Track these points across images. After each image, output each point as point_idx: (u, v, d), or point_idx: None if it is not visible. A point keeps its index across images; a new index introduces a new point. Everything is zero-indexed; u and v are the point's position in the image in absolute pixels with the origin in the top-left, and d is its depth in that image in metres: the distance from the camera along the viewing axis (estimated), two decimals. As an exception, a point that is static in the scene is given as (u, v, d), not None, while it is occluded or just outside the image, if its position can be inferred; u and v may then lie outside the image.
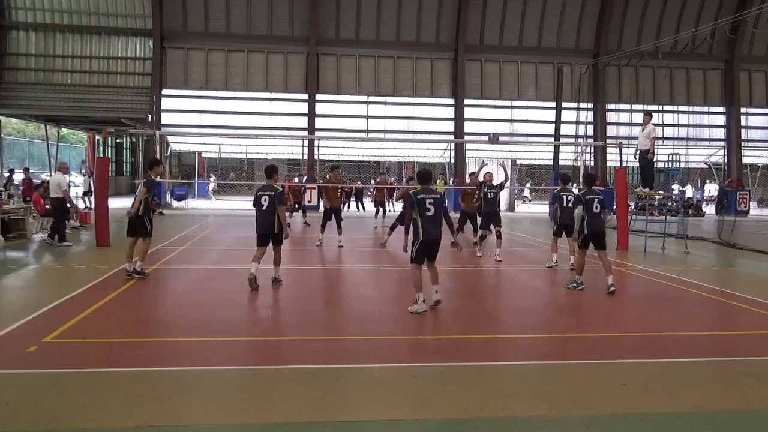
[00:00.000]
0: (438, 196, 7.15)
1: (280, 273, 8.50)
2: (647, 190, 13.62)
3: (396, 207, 21.10)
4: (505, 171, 12.48)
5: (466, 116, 28.40)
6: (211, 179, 31.23)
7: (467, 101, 28.45)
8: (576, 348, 5.58)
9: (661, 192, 15.01)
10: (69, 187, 16.31)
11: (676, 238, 14.42)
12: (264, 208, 8.10)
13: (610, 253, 12.53)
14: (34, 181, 21.10)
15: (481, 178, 11.68)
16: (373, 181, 27.79)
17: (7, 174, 24.32)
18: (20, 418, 3.71)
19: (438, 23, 28.04)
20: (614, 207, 16.41)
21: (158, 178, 9.53)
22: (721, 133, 30.86)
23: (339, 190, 13.48)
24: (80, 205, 19.94)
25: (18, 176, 23.31)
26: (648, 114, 13.55)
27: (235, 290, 7.90)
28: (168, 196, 25.40)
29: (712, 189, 30.31)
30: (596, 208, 8.39)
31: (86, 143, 36.70)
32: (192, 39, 27.05)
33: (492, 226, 11.31)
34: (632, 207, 16.01)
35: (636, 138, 13.77)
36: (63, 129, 32.65)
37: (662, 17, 29.05)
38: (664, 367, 4.95)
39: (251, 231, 8.49)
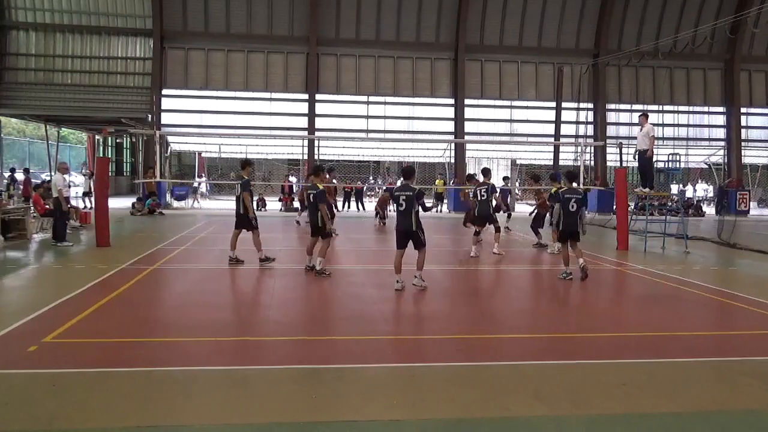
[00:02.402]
0: (410, 193, 7.94)
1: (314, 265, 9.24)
2: (647, 190, 13.63)
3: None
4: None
5: (466, 116, 28.39)
6: (202, 179, 30.43)
7: (467, 101, 28.42)
8: (576, 348, 5.58)
9: (670, 193, 15.01)
10: (69, 186, 16.34)
11: (676, 238, 14.43)
12: (312, 203, 9.34)
13: (611, 253, 12.59)
14: (33, 181, 21.13)
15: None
16: (380, 182, 28.00)
17: (8, 174, 24.32)
18: (20, 418, 3.71)
19: (438, 23, 28.03)
20: (614, 207, 16.43)
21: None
22: (721, 133, 30.84)
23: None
24: (80, 205, 19.93)
25: (18, 176, 23.35)
26: (644, 114, 13.60)
27: (235, 290, 7.91)
28: (168, 196, 25.41)
29: (701, 189, 30.17)
30: (572, 207, 8.56)
31: (86, 143, 36.70)
32: (192, 39, 27.04)
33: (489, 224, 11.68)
34: (632, 207, 16.01)
35: (636, 138, 13.78)
36: (63, 129, 32.62)
37: (662, 17, 29.03)
38: (664, 367, 4.95)
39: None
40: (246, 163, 10.43)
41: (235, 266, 9.80)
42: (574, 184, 9.30)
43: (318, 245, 9.29)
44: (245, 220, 9.94)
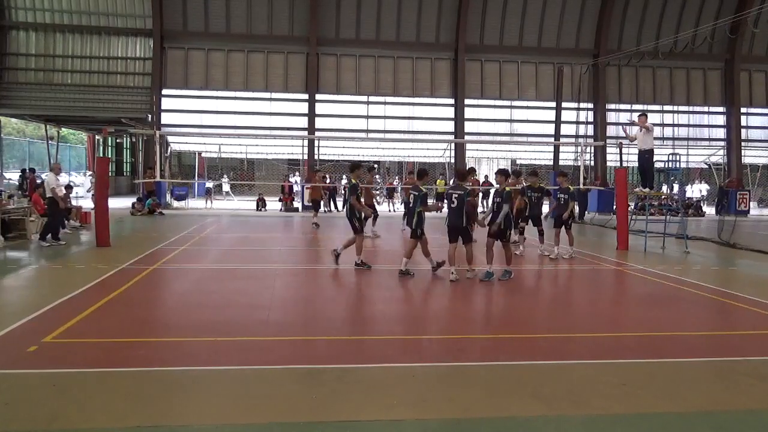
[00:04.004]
0: (462, 192, 8.67)
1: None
2: (647, 190, 13.63)
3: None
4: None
5: (466, 116, 28.40)
6: (224, 180, 31.73)
7: (467, 101, 28.43)
8: (576, 348, 5.58)
9: (664, 192, 14.99)
10: (70, 188, 16.36)
11: (676, 238, 14.43)
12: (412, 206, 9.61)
13: (611, 252, 12.59)
14: (36, 181, 21.16)
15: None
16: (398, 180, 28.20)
17: (19, 175, 24.30)
18: (20, 418, 3.71)
19: (438, 23, 28.04)
20: (614, 207, 16.42)
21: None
22: (721, 133, 30.84)
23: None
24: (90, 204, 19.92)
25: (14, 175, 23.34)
26: (643, 114, 13.61)
27: (235, 290, 7.90)
28: (168, 196, 25.41)
29: (696, 190, 30.00)
30: (454, 203, 8.79)
31: (86, 143, 36.71)
32: (192, 39, 27.04)
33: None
34: (632, 207, 16.00)
35: (634, 139, 13.78)
36: (63, 129, 32.65)
37: (662, 17, 29.04)
38: (664, 367, 4.95)
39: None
40: (355, 167, 10.41)
41: (362, 270, 9.64)
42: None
43: (410, 245, 9.30)
44: (352, 225, 9.95)
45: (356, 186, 10.01)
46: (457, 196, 8.66)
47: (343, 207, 10.19)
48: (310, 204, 18.88)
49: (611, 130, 29.19)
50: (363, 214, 10.09)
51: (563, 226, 11.66)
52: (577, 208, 22.16)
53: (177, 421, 3.74)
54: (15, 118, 32.65)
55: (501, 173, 9.12)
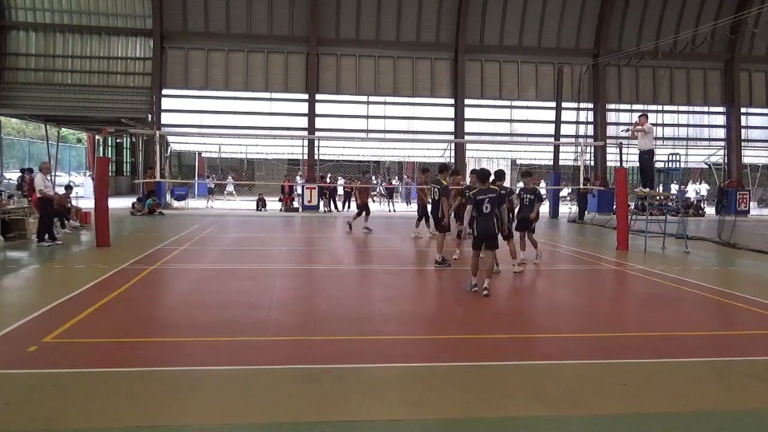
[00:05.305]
0: (493, 195, 8.02)
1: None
2: (647, 190, 13.64)
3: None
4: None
5: (466, 116, 28.39)
6: (229, 180, 32.02)
7: (467, 101, 28.42)
8: (576, 348, 5.58)
9: (663, 192, 15.00)
10: (70, 188, 16.34)
11: (676, 238, 14.43)
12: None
13: (611, 252, 12.59)
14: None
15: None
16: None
17: (19, 174, 24.27)
18: (20, 418, 3.71)
19: (438, 23, 28.03)
20: (614, 207, 16.42)
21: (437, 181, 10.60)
22: (721, 133, 30.84)
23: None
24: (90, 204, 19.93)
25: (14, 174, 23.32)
26: (644, 115, 13.65)
27: (235, 290, 7.90)
28: (168, 196, 25.41)
29: (692, 190, 29.89)
30: (487, 208, 7.95)
31: (86, 143, 36.72)
32: (192, 39, 27.03)
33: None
34: (632, 207, 16.01)
35: (635, 138, 13.82)
36: (63, 129, 32.62)
37: (662, 17, 29.03)
38: (664, 367, 4.95)
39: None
40: (444, 167, 10.61)
41: (440, 269, 9.83)
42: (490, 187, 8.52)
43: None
44: (441, 222, 10.17)
45: (447, 187, 10.29)
46: (488, 200, 8.20)
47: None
48: (360, 209, 16.59)
49: (611, 130, 29.19)
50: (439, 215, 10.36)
51: (527, 230, 10.64)
52: (576, 209, 22.25)
53: (177, 421, 3.74)
54: (15, 118, 32.64)
55: (477, 174, 8.60)
